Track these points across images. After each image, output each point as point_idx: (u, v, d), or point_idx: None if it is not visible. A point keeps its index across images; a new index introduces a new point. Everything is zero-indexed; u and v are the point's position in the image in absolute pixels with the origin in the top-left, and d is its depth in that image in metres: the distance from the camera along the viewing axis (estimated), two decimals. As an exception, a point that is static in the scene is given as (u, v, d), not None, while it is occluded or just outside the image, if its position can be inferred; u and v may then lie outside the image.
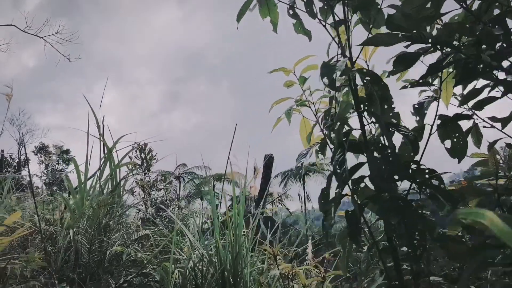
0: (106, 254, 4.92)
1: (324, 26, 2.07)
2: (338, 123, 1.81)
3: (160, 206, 8.08)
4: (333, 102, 2.02)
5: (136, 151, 9.06)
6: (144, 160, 9.05)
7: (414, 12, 1.89)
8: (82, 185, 5.41)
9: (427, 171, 1.93)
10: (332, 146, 2.19)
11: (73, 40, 11.97)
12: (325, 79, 1.69)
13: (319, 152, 2.17)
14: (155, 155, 9.23)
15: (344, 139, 1.85)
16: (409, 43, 1.94)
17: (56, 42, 11.87)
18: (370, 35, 2.03)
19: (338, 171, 1.80)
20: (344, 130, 1.97)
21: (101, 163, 6.18)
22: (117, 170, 6.16)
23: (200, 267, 4.78)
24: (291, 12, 2.05)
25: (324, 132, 2.18)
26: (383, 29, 2.13)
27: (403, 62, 1.92)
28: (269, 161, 10.83)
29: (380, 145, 1.78)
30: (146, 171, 8.38)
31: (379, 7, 1.97)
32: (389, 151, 1.76)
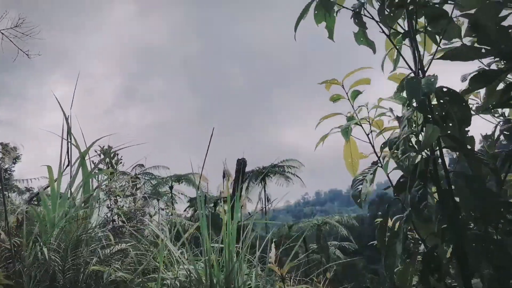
0: (83, 273, 4.46)
1: (388, 36, 1.81)
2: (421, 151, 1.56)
3: (129, 215, 7.59)
4: (403, 123, 1.77)
5: (100, 155, 8.50)
6: (109, 165, 8.50)
7: (490, 21, 1.67)
8: (56, 196, 4.91)
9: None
10: (390, 171, 1.94)
11: (33, 35, 11.03)
12: (413, 100, 1.43)
13: (371, 181, 1.91)
14: (121, 159, 8.68)
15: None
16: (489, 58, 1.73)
17: (15, 36, 10.92)
18: (438, 48, 1.80)
19: (417, 205, 1.55)
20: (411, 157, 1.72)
21: (73, 170, 5.66)
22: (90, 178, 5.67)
23: (187, 285, 4.42)
24: (356, 20, 1.78)
25: (380, 156, 1.93)
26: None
27: (481, 80, 1.69)
28: (241, 166, 10.52)
29: (468, 177, 1.54)
30: (112, 176, 7.85)
31: (452, 17, 1.74)
32: (479, 184, 1.52)
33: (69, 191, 5.44)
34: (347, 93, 2.14)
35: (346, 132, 2.05)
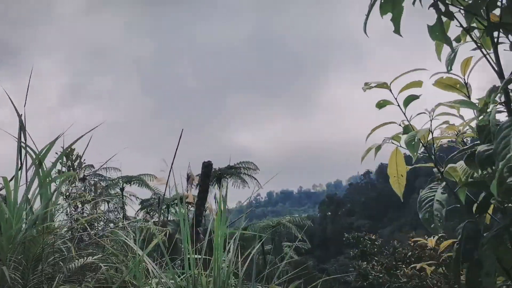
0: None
1: (466, 30, 1.55)
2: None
3: (91, 222, 7.00)
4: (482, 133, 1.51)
5: (63, 157, 7.82)
6: (71, 168, 7.85)
7: None
8: (14, 209, 4.33)
9: None
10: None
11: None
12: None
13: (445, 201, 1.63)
14: (84, 162, 8.05)
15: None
16: None
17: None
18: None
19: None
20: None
21: (28, 175, 5.06)
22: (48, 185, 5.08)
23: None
24: (442, 9, 1.50)
25: (443, 170, 1.66)
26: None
27: None
28: (207, 169, 10.13)
29: None
30: (75, 181, 7.22)
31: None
32: None
33: (26, 199, 4.84)
34: (395, 98, 1.86)
35: (412, 146, 1.73)
